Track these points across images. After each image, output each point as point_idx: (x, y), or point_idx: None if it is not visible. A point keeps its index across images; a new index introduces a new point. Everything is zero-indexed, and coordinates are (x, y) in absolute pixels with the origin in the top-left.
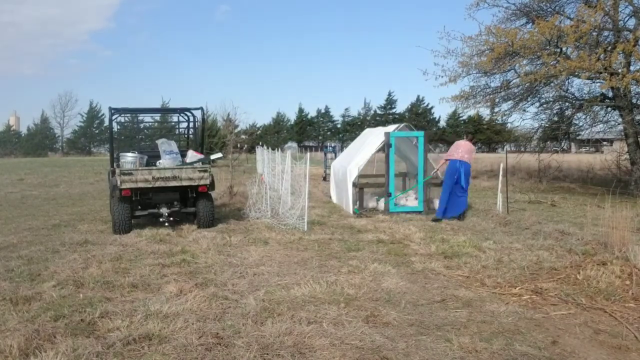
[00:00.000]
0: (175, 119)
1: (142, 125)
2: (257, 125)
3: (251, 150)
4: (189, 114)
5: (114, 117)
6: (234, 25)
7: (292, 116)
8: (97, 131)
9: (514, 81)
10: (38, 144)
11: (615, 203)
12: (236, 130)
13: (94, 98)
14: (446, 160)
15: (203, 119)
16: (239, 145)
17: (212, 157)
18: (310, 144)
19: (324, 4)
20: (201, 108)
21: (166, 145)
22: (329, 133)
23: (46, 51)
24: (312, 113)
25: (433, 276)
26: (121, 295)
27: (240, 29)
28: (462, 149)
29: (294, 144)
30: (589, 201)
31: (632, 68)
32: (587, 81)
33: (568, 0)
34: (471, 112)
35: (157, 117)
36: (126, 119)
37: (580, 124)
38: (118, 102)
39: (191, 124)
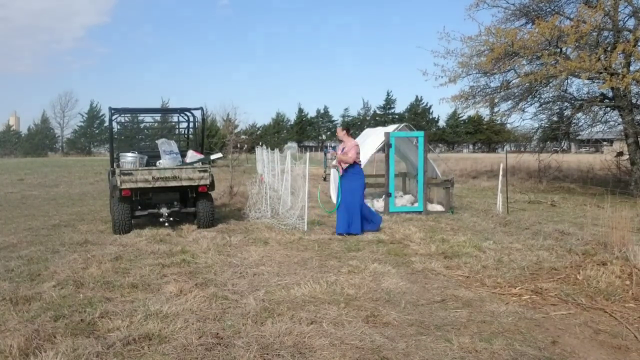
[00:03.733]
0: (175, 119)
1: (142, 126)
2: (257, 125)
3: (251, 150)
4: (188, 114)
5: (114, 117)
6: (233, 22)
7: (292, 116)
8: (97, 131)
9: (514, 81)
10: (38, 144)
11: (615, 203)
12: (236, 130)
13: (94, 98)
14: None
15: (203, 119)
16: (238, 145)
17: (212, 157)
18: (310, 144)
19: (322, 4)
20: (201, 108)
21: (166, 146)
22: (328, 133)
23: (44, 49)
24: (312, 113)
25: (433, 276)
26: (121, 295)
27: (239, 26)
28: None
29: (294, 144)
30: (589, 201)
31: (632, 68)
32: (587, 81)
33: (568, 1)
34: (471, 112)
35: (157, 117)
36: (126, 119)
37: (580, 124)
38: (117, 100)
39: (191, 124)
